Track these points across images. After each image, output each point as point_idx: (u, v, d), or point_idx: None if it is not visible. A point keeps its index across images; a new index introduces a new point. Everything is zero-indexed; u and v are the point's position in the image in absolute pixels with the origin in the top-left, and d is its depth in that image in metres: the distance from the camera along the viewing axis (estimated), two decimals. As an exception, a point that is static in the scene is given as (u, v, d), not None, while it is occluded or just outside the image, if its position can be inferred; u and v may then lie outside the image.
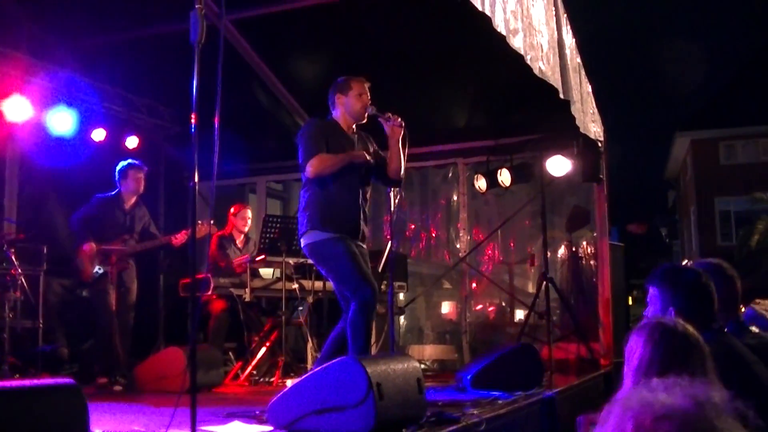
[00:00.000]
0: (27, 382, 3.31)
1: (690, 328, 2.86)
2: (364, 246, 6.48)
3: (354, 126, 6.53)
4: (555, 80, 6.97)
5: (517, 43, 6.13)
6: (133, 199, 8.83)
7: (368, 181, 6.58)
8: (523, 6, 6.30)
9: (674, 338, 2.80)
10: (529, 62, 6.41)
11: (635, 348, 2.83)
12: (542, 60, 6.67)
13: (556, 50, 7.15)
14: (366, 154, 6.39)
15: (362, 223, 6.43)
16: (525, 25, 6.32)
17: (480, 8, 5.44)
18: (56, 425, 3.33)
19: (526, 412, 6.19)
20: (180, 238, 8.64)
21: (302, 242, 6.37)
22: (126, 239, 8.62)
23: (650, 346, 2.78)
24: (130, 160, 8.88)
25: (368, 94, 6.45)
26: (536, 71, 6.59)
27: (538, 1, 6.77)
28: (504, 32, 5.87)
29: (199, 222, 8.41)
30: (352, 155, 6.30)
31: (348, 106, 6.43)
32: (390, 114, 6.35)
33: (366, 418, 4.38)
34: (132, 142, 10.16)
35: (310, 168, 6.20)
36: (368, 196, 6.59)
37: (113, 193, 8.76)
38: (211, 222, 8.49)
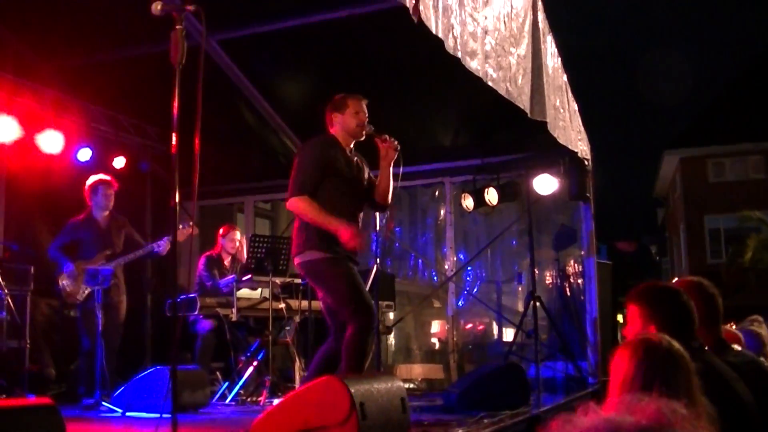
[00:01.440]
0: (5, 402, 3.31)
1: (676, 345, 2.85)
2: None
3: (352, 146, 6.38)
4: (521, 101, 6.98)
5: (474, 65, 6.11)
6: (106, 215, 8.76)
7: (362, 207, 6.47)
8: (488, 27, 6.30)
9: (659, 354, 2.80)
10: (492, 84, 6.41)
11: (620, 364, 2.83)
12: (509, 81, 6.68)
13: (528, 70, 7.17)
14: (354, 239, 6.01)
15: None
16: (490, 47, 6.32)
17: (434, 32, 5.44)
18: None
19: (511, 431, 6.18)
20: (164, 245, 8.59)
21: (298, 260, 6.16)
22: (108, 255, 8.58)
23: (635, 362, 2.78)
24: (100, 176, 8.79)
25: (365, 112, 6.29)
26: (503, 92, 6.60)
27: (507, 22, 6.79)
28: (459, 55, 5.86)
29: (180, 226, 8.42)
30: (339, 229, 5.96)
31: (344, 125, 6.27)
32: (387, 136, 6.25)
33: (349, 438, 4.37)
34: (119, 162, 10.13)
35: (292, 204, 6.07)
36: (360, 220, 6.52)
37: (85, 213, 8.73)
38: (191, 224, 8.44)
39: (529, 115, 7.17)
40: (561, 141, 8.45)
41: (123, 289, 8.73)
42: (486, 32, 6.24)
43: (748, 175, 35.70)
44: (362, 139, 6.37)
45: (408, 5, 5.02)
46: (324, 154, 6.20)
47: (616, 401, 2.19)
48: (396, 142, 6.24)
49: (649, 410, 1.69)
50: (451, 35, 5.69)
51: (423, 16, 5.12)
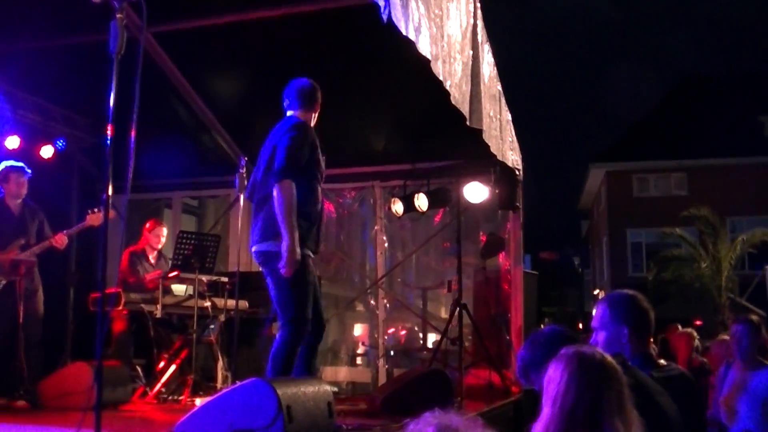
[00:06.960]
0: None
1: (608, 358, 2.88)
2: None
3: None
4: (464, 108, 7.00)
5: (437, 69, 6.13)
6: (18, 202, 8.51)
7: None
8: (443, 32, 6.32)
9: (591, 368, 2.82)
10: (448, 88, 6.42)
11: (553, 377, 2.84)
12: (455, 87, 6.69)
13: (469, 78, 7.19)
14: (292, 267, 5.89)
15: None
16: (445, 52, 6.33)
17: (404, 33, 5.42)
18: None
19: (435, 437, 6.16)
20: (59, 239, 8.39)
21: (268, 248, 5.99)
22: (23, 243, 8.34)
23: (567, 376, 2.79)
24: (11, 162, 8.58)
25: None
26: (452, 98, 6.61)
27: (456, 29, 6.81)
28: (429, 57, 5.86)
29: (96, 209, 8.32)
30: (293, 248, 5.81)
31: (310, 120, 6.34)
32: None
33: (274, 441, 4.33)
34: (47, 151, 9.94)
35: (279, 187, 5.82)
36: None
37: None
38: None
39: (468, 122, 7.18)
40: (493, 150, 8.49)
41: (38, 280, 8.52)
42: (443, 37, 6.25)
43: (671, 191, 36.42)
44: None
45: (380, 2, 5.00)
46: (311, 139, 6.10)
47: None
48: None
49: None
50: (422, 37, 5.67)
51: (393, 16, 5.09)
